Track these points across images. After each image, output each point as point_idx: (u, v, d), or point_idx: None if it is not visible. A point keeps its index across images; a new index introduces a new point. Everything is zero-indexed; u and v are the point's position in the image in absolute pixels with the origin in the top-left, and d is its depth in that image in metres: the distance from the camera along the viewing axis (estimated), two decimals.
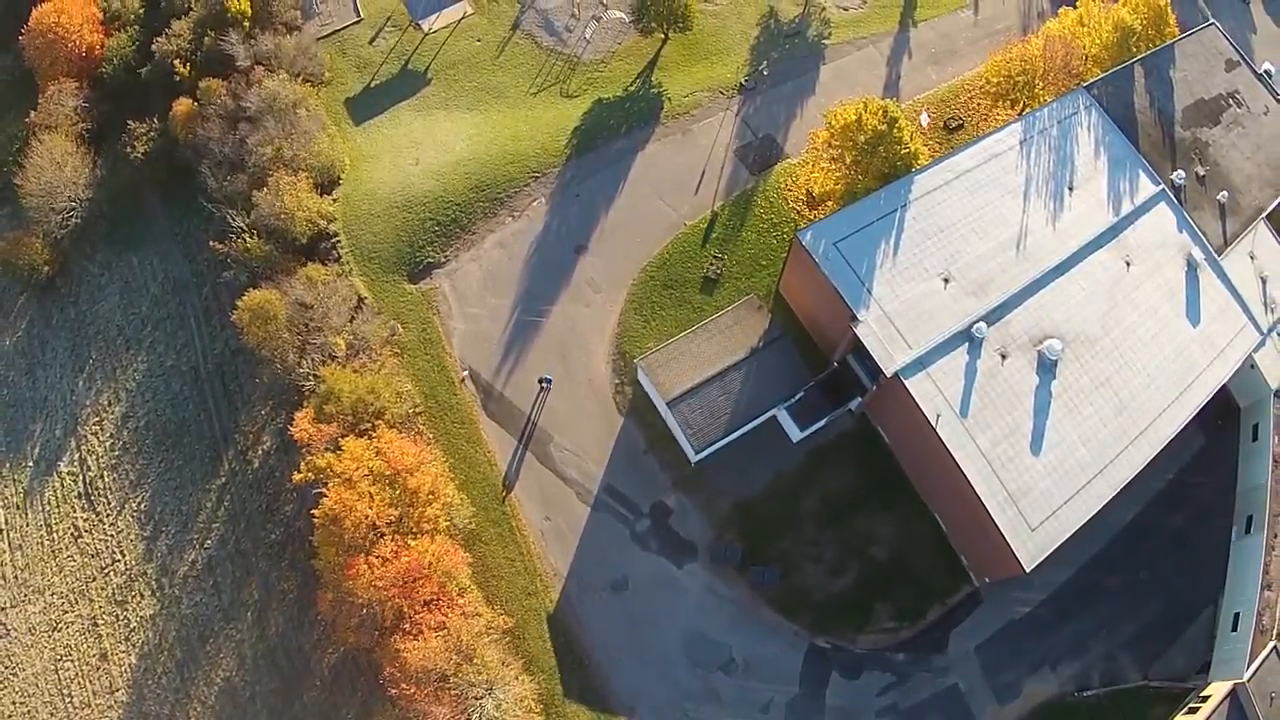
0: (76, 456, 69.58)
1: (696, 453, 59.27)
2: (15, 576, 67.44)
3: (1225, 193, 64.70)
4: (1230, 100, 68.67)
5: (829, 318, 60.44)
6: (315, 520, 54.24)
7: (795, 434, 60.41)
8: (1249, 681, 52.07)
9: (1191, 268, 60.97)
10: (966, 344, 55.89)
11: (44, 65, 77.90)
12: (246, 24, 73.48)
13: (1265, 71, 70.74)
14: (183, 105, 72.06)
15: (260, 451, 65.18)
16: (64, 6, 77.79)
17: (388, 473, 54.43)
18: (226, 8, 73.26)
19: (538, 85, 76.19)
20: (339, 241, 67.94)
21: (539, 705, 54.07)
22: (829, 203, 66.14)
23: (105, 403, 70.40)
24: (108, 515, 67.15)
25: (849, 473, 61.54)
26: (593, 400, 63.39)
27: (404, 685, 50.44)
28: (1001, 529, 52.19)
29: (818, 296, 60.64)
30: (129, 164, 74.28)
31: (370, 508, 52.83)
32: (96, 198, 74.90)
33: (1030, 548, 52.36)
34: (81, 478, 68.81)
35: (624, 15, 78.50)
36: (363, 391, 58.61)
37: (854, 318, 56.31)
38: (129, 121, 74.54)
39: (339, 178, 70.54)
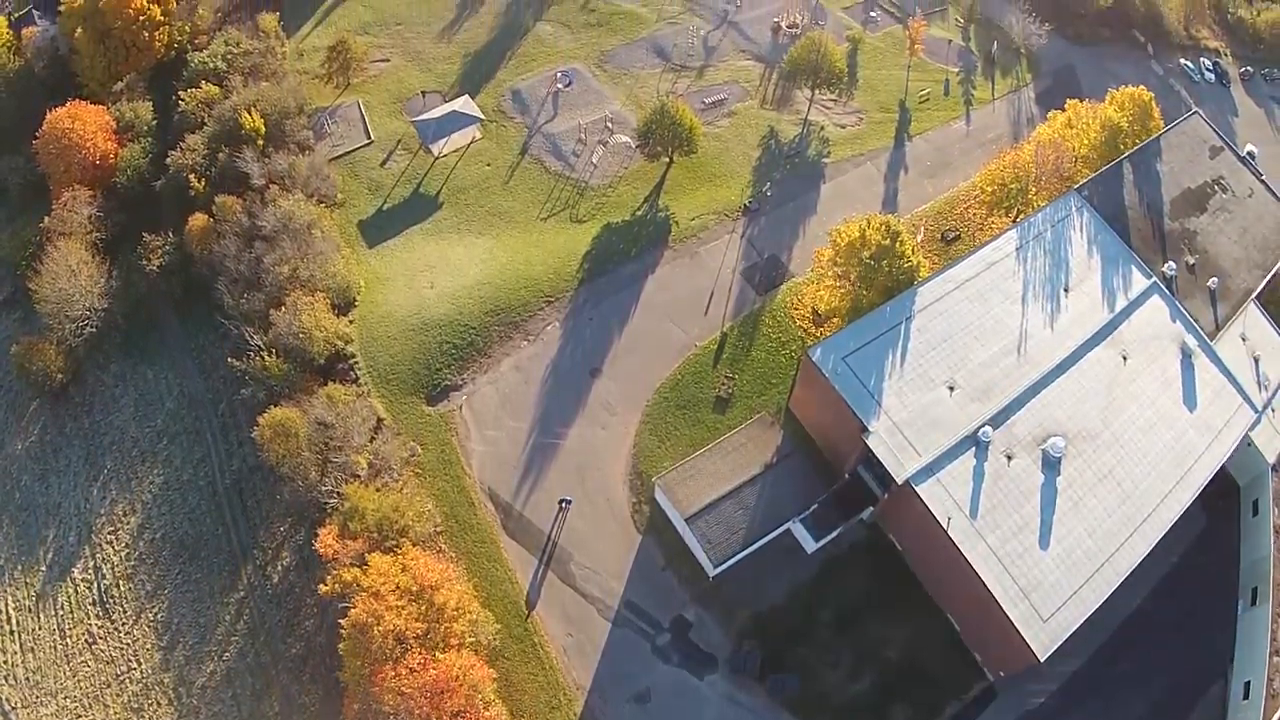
0: (91, 564, 69.42)
1: (715, 567, 60.35)
2: (26, 678, 66.71)
3: (1215, 279, 66.49)
4: (1216, 186, 70.78)
5: (839, 430, 61.98)
6: (342, 630, 54.45)
7: (810, 545, 61.74)
8: None
9: (1186, 355, 62.81)
10: (973, 448, 57.68)
11: (57, 171, 78.50)
12: (260, 142, 74.83)
13: (1248, 153, 72.69)
14: (198, 220, 72.86)
15: (280, 567, 65.54)
16: (77, 113, 78.76)
17: (414, 588, 55.05)
18: (241, 124, 74.57)
19: (547, 210, 77.65)
20: (356, 363, 69.00)
21: None
22: (834, 319, 67.90)
23: (120, 513, 70.51)
24: (123, 623, 66.91)
25: (862, 579, 62.78)
26: (611, 519, 64.44)
27: None
28: (1015, 622, 53.37)
29: (828, 411, 62.21)
30: (144, 276, 74.70)
31: (399, 618, 53.36)
32: (111, 308, 74.77)
33: (1043, 638, 53.49)
34: (96, 585, 68.55)
35: (629, 140, 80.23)
36: (387, 509, 59.35)
37: (865, 429, 57.98)
38: (144, 233, 75.17)
39: (355, 299, 71.64)
